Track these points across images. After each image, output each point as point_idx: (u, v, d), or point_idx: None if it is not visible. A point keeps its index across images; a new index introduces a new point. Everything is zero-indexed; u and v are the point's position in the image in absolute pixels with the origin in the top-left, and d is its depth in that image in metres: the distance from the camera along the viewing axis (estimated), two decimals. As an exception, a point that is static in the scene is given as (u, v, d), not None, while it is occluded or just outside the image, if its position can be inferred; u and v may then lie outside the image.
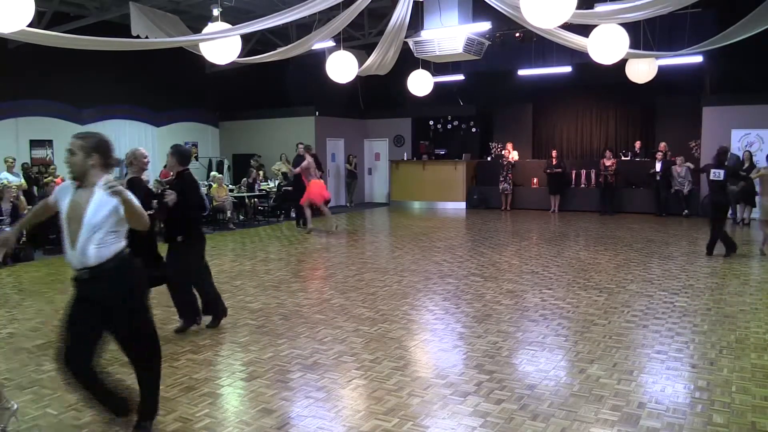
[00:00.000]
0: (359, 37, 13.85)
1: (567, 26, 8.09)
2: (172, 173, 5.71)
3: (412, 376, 4.42)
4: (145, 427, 3.42)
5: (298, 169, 12.56)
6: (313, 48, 10.27)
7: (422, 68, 10.96)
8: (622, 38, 7.44)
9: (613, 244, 10.38)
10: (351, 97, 16.58)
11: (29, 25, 5.73)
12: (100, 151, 3.13)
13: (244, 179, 14.90)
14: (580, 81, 15.71)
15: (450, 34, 9.12)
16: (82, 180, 3.13)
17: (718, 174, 8.92)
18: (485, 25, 9.44)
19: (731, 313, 5.98)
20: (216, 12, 8.71)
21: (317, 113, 17.38)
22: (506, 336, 5.34)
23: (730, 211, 11.23)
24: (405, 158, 18.44)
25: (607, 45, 7.53)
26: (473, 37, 9.28)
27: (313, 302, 6.65)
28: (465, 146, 18.12)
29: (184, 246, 5.46)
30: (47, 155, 13.79)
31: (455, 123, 18.90)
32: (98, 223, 3.06)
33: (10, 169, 11.28)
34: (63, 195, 3.19)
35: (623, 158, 15.74)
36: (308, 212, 12.41)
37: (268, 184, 15.30)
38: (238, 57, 8.07)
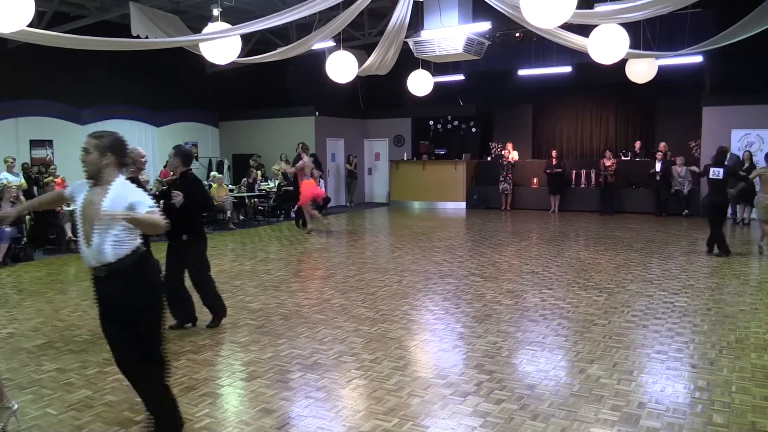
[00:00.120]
0: (359, 37, 13.85)
1: (567, 26, 8.09)
2: (172, 173, 5.71)
3: (412, 376, 4.42)
4: None
5: (293, 169, 12.50)
6: (313, 48, 10.27)
7: (422, 68, 10.96)
8: (622, 38, 7.44)
9: (613, 244, 10.38)
10: (351, 97, 16.59)
11: (29, 25, 5.73)
12: (115, 150, 3.13)
13: (244, 179, 14.90)
14: (580, 81, 15.71)
15: (450, 34, 9.12)
16: (96, 179, 3.12)
17: (717, 173, 8.93)
18: (485, 25, 9.44)
19: (731, 313, 5.98)
20: (216, 12, 8.71)
21: (317, 113, 17.38)
22: (506, 336, 5.34)
23: (730, 211, 11.23)
24: (405, 158, 18.44)
25: (607, 45, 7.53)
26: (473, 37, 9.28)
27: (313, 302, 6.65)
28: (465, 146, 18.13)
29: (186, 244, 5.46)
30: (47, 155, 13.79)
31: (455, 123, 18.89)
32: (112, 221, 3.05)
33: (10, 169, 11.27)
34: (78, 192, 3.19)
35: (623, 158, 15.74)
36: (308, 212, 12.37)
37: (268, 184, 15.31)
38: (238, 57, 8.07)
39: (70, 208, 10.39)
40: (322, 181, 16.27)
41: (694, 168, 11.18)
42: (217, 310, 5.75)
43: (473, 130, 18.67)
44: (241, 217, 14.37)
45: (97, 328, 5.77)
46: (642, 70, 9.76)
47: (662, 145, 14.69)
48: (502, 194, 16.33)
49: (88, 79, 14.29)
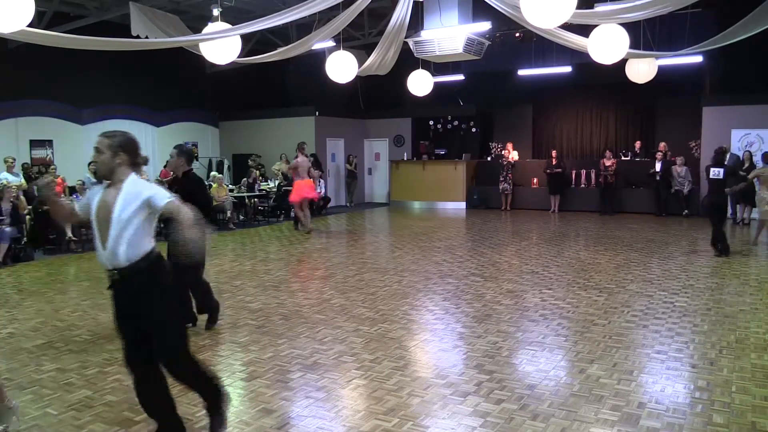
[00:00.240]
0: (359, 37, 13.85)
1: (567, 26, 8.09)
2: (172, 173, 5.70)
3: (412, 376, 4.42)
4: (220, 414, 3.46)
5: (287, 168, 12.44)
6: (313, 48, 10.28)
7: (422, 68, 10.96)
8: (622, 38, 7.45)
9: (613, 244, 10.38)
10: (351, 97, 16.59)
11: (29, 25, 5.73)
12: (128, 149, 3.13)
13: (244, 179, 14.90)
14: (580, 81, 15.71)
15: (450, 34, 9.12)
16: (109, 178, 3.12)
17: (717, 173, 8.93)
18: (485, 25, 9.44)
19: (731, 313, 5.98)
20: (216, 12, 8.72)
21: (317, 113, 17.38)
22: (506, 336, 5.34)
23: (730, 211, 11.22)
24: (405, 158, 18.43)
25: (607, 45, 7.54)
26: (473, 37, 9.28)
27: (313, 302, 6.65)
28: (465, 146, 18.12)
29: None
30: (47, 155, 13.78)
31: (455, 123, 18.89)
32: (127, 218, 3.03)
33: (10, 169, 11.28)
34: (93, 196, 3.17)
35: (623, 158, 15.74)
36: (306, 212, 12.35)
37: (268, 184, 15.31)
38: (238, 57, 8.08)
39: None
40: (322, 181, 16.30)
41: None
42: (212, 308, 5.70)
43: (473, 130, 18.67)
44: (241, 217, 14.37)
45: (97, 327, 5.80)
46: (642, 70, 9.77)
47: (662, 145, 14.69)
48: (502, 194, 16.33)
49: (88, 79, 14.29)
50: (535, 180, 16.48)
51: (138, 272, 3.09)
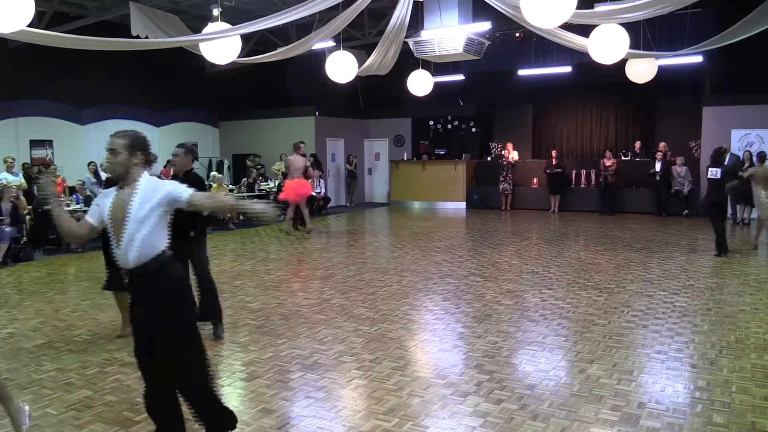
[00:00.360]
0: (359, 37, 13.85)
1: (567, 26, 8.10)
2: (173, 171, 5.70)
3: (412, 376, 4.42)
4: None
5: (283, 167, 12.43)
6: (313, 48, 10.28)
7: (422, 68, 10.96)
8: (622, 38, 7.45)
9: (613, 244, 10.38)
10: (351, 97, 16.59)
11: (29, 25, 5.74)
12: (142, 148, 3.13)
13: (244, 179, 14.91)
14: (580, 81, 15.70)
15: (450, 34, 9.12)
16: (124, 179, 3.10)
17: (715, 173, 8.94)
18: (485, 25, 9.44)
19: (731, 313, 5.98)
20: (216, 12, 8.72)
21: (317, 113, 17.38)
22: (506, 336, 5.34)
23: (730, 211, 11.22)
24: (405, 158, 18.43)
25: (607, 45, 7.54)
26: (473, 37, 9.28)
27: (313, 302, 6.65)
28: (465, 146, 18.12)
29: (192, 242, 5.45)
30: (47, 155, 13.79)
31: (455, 123, 18.89)
32: (144, 216, 3.01)
33: (10, 169, 11.27)
34: (104, 200, 3.14)
35: (623, 158, 15.73)
36: (305, 211, 12.33)
37: (268, 184, 15.31)
38: (238, 57, 8.08)
39: (70, 208, 10.40)
40: (322, 180, 16.31)
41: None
42: (218, 313, 5.69)
43: (473, 130, 18.67)
44: (241, 217, 14.35)
45: (97, 327, 5.80)
46: (642, 70, 9.77)
47: (662, 145, 14.69)
48: (502, 194, 16.33)
49: (88, 79, 14.29)
50: (535, 180, 16.48)
51: (148, 274, 3.07)
